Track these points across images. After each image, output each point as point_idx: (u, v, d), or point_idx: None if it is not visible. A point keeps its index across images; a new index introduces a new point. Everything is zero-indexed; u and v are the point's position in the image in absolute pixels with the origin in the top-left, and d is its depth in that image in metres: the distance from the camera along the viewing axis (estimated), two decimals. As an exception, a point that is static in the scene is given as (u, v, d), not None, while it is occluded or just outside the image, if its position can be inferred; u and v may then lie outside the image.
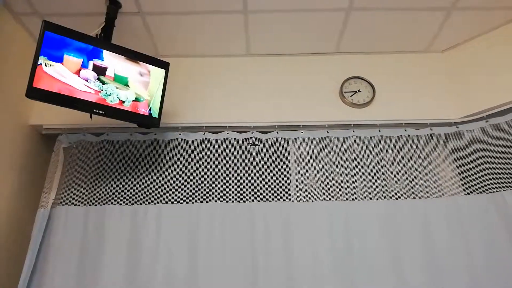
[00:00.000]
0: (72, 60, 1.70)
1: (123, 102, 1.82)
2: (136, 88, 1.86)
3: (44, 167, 2.17)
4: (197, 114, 2.20)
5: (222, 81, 2.29)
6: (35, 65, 1.60)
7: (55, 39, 1.66)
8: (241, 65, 2.34)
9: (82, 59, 1.72)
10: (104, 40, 1.87)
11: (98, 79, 1.76)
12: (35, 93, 1.60)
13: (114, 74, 1.81)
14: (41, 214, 2.00)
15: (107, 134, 2.23)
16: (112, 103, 1.78)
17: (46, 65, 1.63)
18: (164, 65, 1.95)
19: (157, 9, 2.00)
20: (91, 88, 1.74)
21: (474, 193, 1.97)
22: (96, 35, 1.87)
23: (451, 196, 2.00)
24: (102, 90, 1.76)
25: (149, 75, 1.91)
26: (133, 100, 1.85)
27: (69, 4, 1.96)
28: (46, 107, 2.05)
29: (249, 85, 2.28)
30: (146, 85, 1.89)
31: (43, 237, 1.97)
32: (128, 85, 1.84)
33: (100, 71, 1.77)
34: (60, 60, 1.67)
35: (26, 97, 1.59)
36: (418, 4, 2.00)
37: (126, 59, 1.84)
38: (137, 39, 2.20)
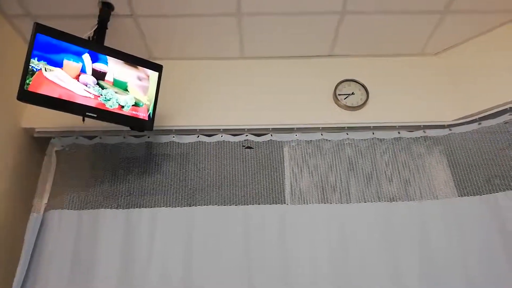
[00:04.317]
0: (72, 65, 1.70)
1: (123, 107, 1.82)
2: (135, 93, 1.86)
3: (36, 171, 2.15)
4: (191, 117, 2.19)
5: (216, 84, 2.29)
6: (26, 67, 1.59)
7: (50, 43, 1.65)
8: (235, 67, 2.34)
9: (81, 64, 1.71)
10: (97, 43, 1.86)
11: (98, 84, 1.76)
12: (27, 96, 1.60)
13: (114, 79, 1.81)
14: (34, 219, 1.98)
15: (100, 137, 2.22)
16: (112, 108, 1.78)
17: (46, 70, 1.63)
18: (157, 68, 1.95)
19: (150, 11, 2.00)
20: (91, 93, 1.74)
21: (468, 195, 1.98)
22: (89, 37, 1.86)
23: (445, 198, 2.01)
24: (101, 95, 1.76)
25: (148, 79, 1.91)
26: (132, 105, 1.85)
27: (61, 6, 1.95)
28: (39, 110, 2.03)
29: (243, 88, 2.28)
30: (145, 89, 1.89)
31: (36, 241, 1.95)
32: (127, 90, 1.84)
33: (99, 76, 1.77)
34: (60, 65, 1.67)
35: (17, 100, 1.58)
36: (411, 7, 2.01)
37: (125, 63, 1.84)
38: (130, 42, 2.19)
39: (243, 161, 2.15)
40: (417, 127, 2.19)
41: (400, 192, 2.05)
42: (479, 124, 2.10)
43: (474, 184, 1.99)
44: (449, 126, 2.18)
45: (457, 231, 1.90)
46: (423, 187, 2.06)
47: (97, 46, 1.80)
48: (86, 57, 1.74)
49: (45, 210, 2.04)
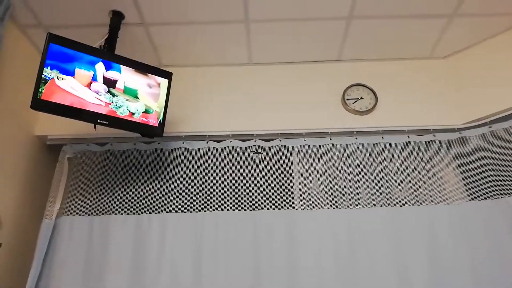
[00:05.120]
0: (84, 73, 1.73)
1: (133, 114, 1.84)
2: (145, 100, 1.88)
3: (49, 178, 2.19)
4: (200, 123, 2.21)
5: (225, 90, 2.30)
6: (40, 76, 1.62)
7: (63, 52, 1.68)
8: (243, 73, 2.35)
9: (92, 72, 1.75)
10: (108, 52, 1.89)
11: (109, 91, 1.79)
12: (40, 104, 1.62)
13: (124, 87, 1.83)
14: (46, 225, 2.01)
15: (111, 144, 2.25)
16: (123, 115, 1.81)
17: (58, 79, 1.66)
18: (167, 75, 1.97)
19: (160, 19, 2.03)
20: (102, 101, 1.76)
21: (479, 199, 1.97)
22: (100, 46, 1.89)
23: (456, 202, 1.99)
24: (112, 102, 1.79)
25: (159, 87, 1.93)
26: (142, 112, 1.87)
27: (73, 16, 1.99)
28: (51, 118, 2.06)
29: (251, 93, 2.29)
30: (155, 97, 1.91)
31: (48, 247, 1.98)
32: (137, 97, 1.86)
33: (110, 83, 1.80)
34: (72, 74, 1.70)
35: (31, 109, 1.61)
36: (419, 11, 2.01)
37: (136, 71, 1.87)
38: (140, 50, 2.22)
39: (252, 166, 2.16)
40: (427, 131, 2.18)
41: (410, 196, 2.04)
42: (490, 127, 2.08)
43: (484, 187, 1.97)
44: (459, 129, 2.16)
45: (467, 236, 1.89)
46: (433, 191, 2.04)
47: (108, 55, 1.83)
48: (99, 65, 1.77)
49: (57, 216, 2.07)
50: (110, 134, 2.17)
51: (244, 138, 2.22)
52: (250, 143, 2.22)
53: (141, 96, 1.88)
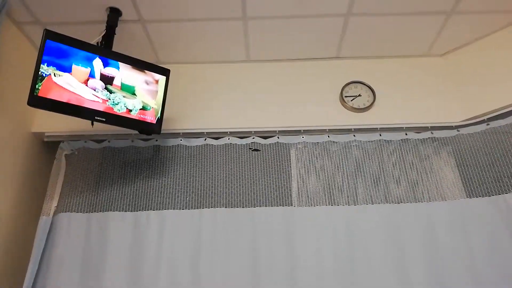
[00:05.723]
0: (80, 70, 1.72)
1: (130, 111, 1.84)
2: (143, 96, 1.88)
3: (46, 175, 2.18)
4: (198, 120, 2.21)
5: (223, 87, 2.30)
6: (36, 73, 1.62)
7: (60, 49, 1.68)
8: (242, 71, 2.35)
9: (89, 69, 1.74)
10: (105, 48, 1.89)
11: (106, 88, 1.78)
12: (37, 101, 1.62)
13: (121, 83, 1.83)
14: (43, 222, 2.01)
15: (109, 141, 2.24)
16: (120, 112, 1.81)
17: (55, 75, 1.65)
18: (165, 72, 1.97)
19: (157, 16, 2.02)
20: (99, 97, 1.76)
21: (476, 196, 1.97)
22: (97, 43, 1.88)
23: (453, 200, 1.99)
24: (109, 99, 1.79)
25: (157, 84, 1.93)
26: (140, 109, 1.87)
27: (70, 13, 1.98)
28: (48, 114, 2.06)
29: (249, 90, 2.29)
30: (153, 93, 1.91)
31: (46, 244, 1.98)
32: (135, 94, 1.86)
33: (107, 80, 1.79)
34: (68, 70, 1.70)
35: (28, 105, 1.61)
36: (418, 8, 2.00)
37: (133, 68, 1.86)
38: (137, 47, 2.21)
39: (250, 164, 2.16)
40: (425, 128, 2.18)
41: (407, 193, 2.04)
42: (488, 124, 2.08)
43: (482, 185, 1.97)
44: (457, 127, 2.16)
45: (465, 233, 1.89)
46: (430, 189, 2.05)
47: (105, 51, 1.82)
48: (97, 62, 1.77)
49: (55, 213, 2.07)
50: (108, 131, 2.16)
51: (242, 135, 2.22)
52: (248, 140, 2.22)
53: (138, 93, 1.87)
